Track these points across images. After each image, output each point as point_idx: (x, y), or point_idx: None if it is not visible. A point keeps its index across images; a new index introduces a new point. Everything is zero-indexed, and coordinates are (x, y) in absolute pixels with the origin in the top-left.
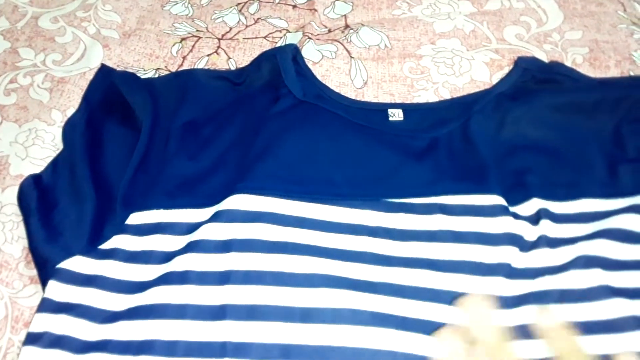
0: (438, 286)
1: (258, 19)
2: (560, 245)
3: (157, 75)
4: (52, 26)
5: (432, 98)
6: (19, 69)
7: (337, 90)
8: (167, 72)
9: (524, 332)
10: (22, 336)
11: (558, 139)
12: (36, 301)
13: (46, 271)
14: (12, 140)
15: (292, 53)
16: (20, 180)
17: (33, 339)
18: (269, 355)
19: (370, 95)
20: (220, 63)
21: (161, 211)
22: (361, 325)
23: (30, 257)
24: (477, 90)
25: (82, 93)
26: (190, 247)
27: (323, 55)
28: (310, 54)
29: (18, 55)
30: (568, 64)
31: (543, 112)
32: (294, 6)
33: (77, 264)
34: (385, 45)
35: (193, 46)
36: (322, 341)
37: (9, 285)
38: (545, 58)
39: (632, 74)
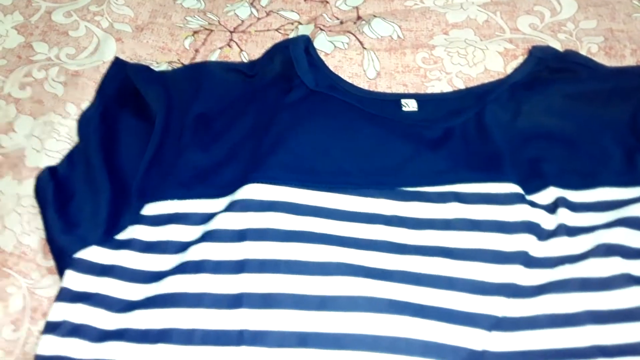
0: (454, 274)
1: (270, 11)
2: (579, 233)
3: (170, 68)
4: (66, 20)
5: (446, 88)
6: (34, 62)
7: (349, 81)
8: (180, 65)
9: (544, 321)
10: (41, 326)
11: (574, 128)
12: (54, 292)
13: (63, 261)
14: (27, 133)
15: (305, 44)
16: (36, 173)
17: (52, 327)
18: (286, 343)
19: (383, 85)
20: (233, 56)
21: (176, 201)
22: (377, 312)
23: (47, 248)
24: (491, 80)
25: (96, 86)
26: (206, 237)
27: (335, 47)
28: (322, 45)
29: (32, 50)
30: (583, 53)
31: (558, 101)
32: None
33: (94, 254)
34: (398, 35)
35: (205, 39)
36: (338, 329)
37: (27, 276)
38: (559, 47)
39: None
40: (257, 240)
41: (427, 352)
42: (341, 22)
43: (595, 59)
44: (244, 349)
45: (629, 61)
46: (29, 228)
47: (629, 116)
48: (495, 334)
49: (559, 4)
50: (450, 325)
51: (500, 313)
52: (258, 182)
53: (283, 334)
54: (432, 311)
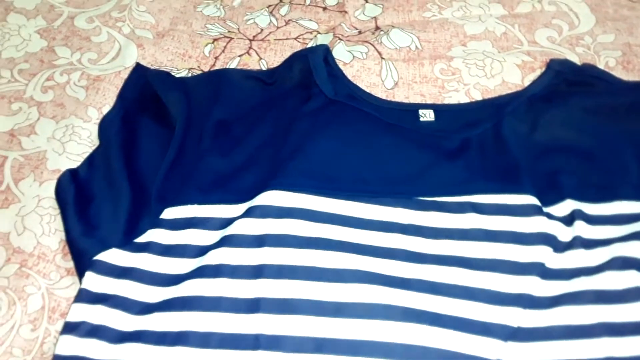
0: (471, 284)
1: (289, 20)
2: (596, 246)
3: (190, 75)
4: (88, 26)
5: (463, 99)
6: (56, 67)
7: (367, 90)
8: (199, 72)
9: (559, 333)
10: (59, 326)
11: (591, 141)
12: (73, 292)
13: (83, 263)
14: (49, 136)
15: (323, 54)
16: (57, 175)
17: (70, 328)
18: (302, 349)
19: (401, 95)
20: (252, 63)
21: (195, 206)
22: (394, 320)
23: (67, 249)
24: (508, 91)
25: (117, 91)
26: (224, 242)
27: (354, 56)
28: (341, 54)
29: (55, 54)
30: (601, 66)
31: (576, 115)
32: (325, 8)
33: (113, 256)
34: (416, 46)
35: (225, 47)
36: (354, 335)
37: (46, 276)
38: (577, 61)
39: None
40: (275, 246)
41: None
42: (360, 32)
43: (613, 73)
44: (260, 354)
45: None
46: (48, 229)
47: None
48: (511, 344)
49: (577, 17)
50: (466, 335)
51: (516, 323)
52: (277, 188)
53: (299, 339)
54: (448, 320)
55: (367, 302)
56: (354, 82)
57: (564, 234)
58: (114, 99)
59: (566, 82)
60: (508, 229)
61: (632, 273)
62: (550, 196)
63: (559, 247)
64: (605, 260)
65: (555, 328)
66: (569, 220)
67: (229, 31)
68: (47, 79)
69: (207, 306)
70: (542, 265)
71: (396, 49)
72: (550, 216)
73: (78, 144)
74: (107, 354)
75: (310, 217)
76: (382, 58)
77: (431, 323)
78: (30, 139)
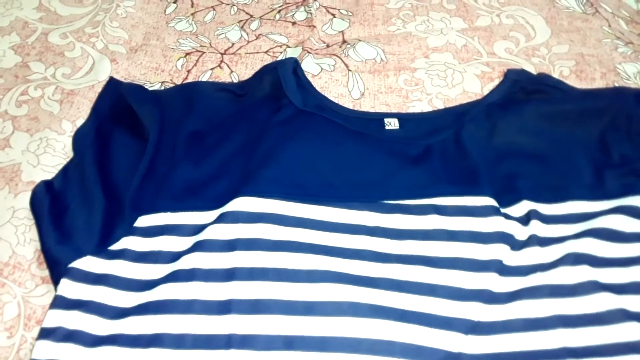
0: (434, 281)
1: (259, 35)
2: (550, 244)
3: (163, 88)
4: (62, 42)
5: (426, 108)
6: (30, 81)
7: (335, 101)
8: (172, 85)
9: (517, 325)
10: (35, 333)
11: (546, 146)
12: (48, 300)
13: (58, 271)
14: (24, 148)
15: (292, 66)
16: (32, 187)
17: (46, 333)
18: (273, 346)
19: (367, 105)
20: (224, 76)
21: (168, 214)
22: (361, 317)
23: (42, 258)
24: (469, 100)
25: (91, 105)
26: (197, 247)
27: (322, 69)
28: (309, 67)
29: (29, 69)
30: (555, 76)
31: (532, 121)
32: (294, 23)
33: (88, 263)
34: (381, 58)
35: (197, 60)
36: (323, 332)
37: (21, 285)
38: (533, 70)
39: (616, 85)
40: (246, 250)
41: (406, 354)
42: (327, 46)
43: (567, 81)
44: (232, 352)
45: (599, 84)
46: (23, 239)
47: (598, 135)
48: (471, 337)
49: (534, 29)
50: (429, 329)
51: (476, 317)
52: (247, 195)
53: (270, 337)
54: (413, 316)
55: (336, 301)
56: (322, 93)
57: (520, 233)
58: (88, 112)
59: (523, 91)
60: (468, 229)
61: (584, 268)
62: (507, 197)
63: (516, 245)
64: (559, 257)
65: (514, 321)
66: (525, 220)
67: (200, 45)
68: (22, 94)
69: (180, 309)
70: (500, 262)
71: (362, 61)
72: (507, 216)
73: (52, 156)
74: (83, 358)
75: (280, 222)
76: (349, 70)
77: (397, 319)
78: (4, 152)
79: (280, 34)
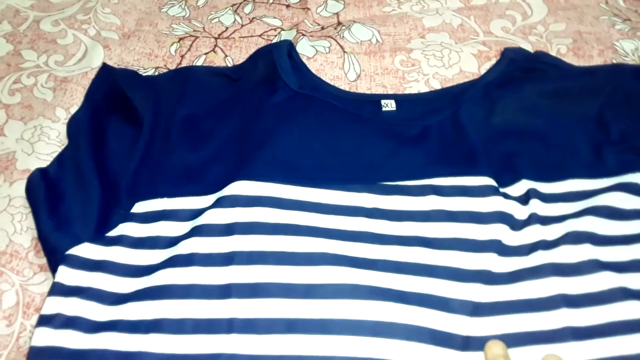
0: (433, 262)
1: (253, 18)
2: (550, 222)
3: (157, 73)
4: (54, 29)
5: (423, 89)
6: (23, 70)
7: (331, 83)
8: (166, 70)
9: (519, 306)
10: (34, 321)
11: (545, 124)
12: (46, 288)
13: (55, 258)
14: (18, 137)
15: (287, 49)
16: (27, 175)
17: (45, 320)
18: (275, 330)
19: (364, 87)
20: (218, 61)
21: (165, 199)
22: (361, 299)
23: (39, 246)
24: (466, 80)
25: (85, 91)
26: (195, 232)
27: (317, 51)
28: (304, 49)
29: (21, 57)
30: (553, 54)
31: (530, 99)
32: (288, 6)
33: (86, 250)
34: (377, 40)
35: (191, 45)
36: (324, 315)
37: (19, 273)
38: (530, 49)
39: (614, 62)
40: (244, 234)
41: (407, 335)
42: (322, 28)
43: (565, 59)
44: (234, 337)
45: (596, 61)
46: (20, 228)
47: (596, 112)
48: (472, 319)
49: (530, 8)
50: (429, 310)
51: (476, 298)
52: (245, 178)
53: (271, 321)
54: (412, 297)
55: (336, 283)
56: (318, 76)
57: (520, 212)
58: (82, 99)
59: (520, 69)
60: (467, 209)
61: (586, 246)
62: (506, 177)
63: (516, 225)
64: (560, 236)
65: (515, 302)
66: (524, 199)
67: (194, 30)
68: (15, 82)
69: (180, 294)
70: (499, 242)
71: (358, 42)
72: (506, 196)
73: (47, 143)
74: (83, 344)
75: (278, 205)
76: (345, 52)
77: (396, 300)
78: None
79: (275, 17)
